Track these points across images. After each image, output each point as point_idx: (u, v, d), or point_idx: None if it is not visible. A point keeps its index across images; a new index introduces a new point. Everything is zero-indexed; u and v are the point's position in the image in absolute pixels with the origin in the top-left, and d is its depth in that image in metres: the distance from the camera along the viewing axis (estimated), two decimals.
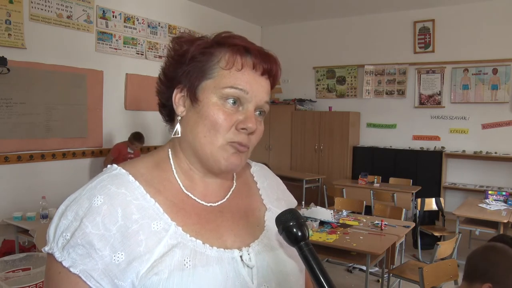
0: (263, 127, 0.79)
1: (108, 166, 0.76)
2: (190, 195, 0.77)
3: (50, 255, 0.68)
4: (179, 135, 0.77)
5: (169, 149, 0.81)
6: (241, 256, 0.74)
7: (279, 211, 0.81)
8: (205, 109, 0.73)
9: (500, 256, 1.52)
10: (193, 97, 0.74)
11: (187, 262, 0.68)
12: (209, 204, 0.78)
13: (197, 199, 0.77)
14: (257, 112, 0.76)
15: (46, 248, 0.69)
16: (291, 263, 0.79)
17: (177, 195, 0.76)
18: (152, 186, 0.74)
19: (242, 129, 0.73)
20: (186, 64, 0.75)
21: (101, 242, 0.66)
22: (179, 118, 0.77)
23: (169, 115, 0.82)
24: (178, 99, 0.77)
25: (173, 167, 0.78)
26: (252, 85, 0.74)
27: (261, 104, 0.76)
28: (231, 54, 0.74)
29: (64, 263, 0.65)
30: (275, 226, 0.72)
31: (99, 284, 0.65)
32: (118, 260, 0.66)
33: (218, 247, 0.73)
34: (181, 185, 0.77)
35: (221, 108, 0.73)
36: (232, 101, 0.73)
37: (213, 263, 0.70)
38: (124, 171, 0.74)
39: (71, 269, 0.65)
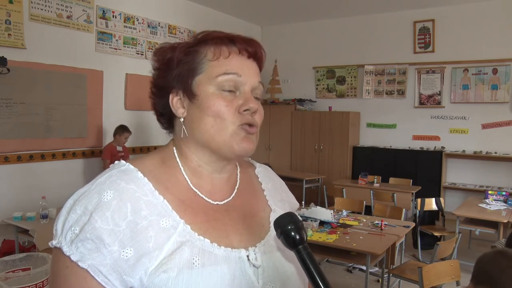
0: (263, 110, 0.81)
1: (116, 162, 0.77)
2: (198, 192, 0.78)
3: (58, 249, 0.68)
4: (187, 135, 0.78)
5: (174, 148, 0.81)
6: (247, 256, 0.75)
7: (283, 212, 0.82)
8: (205, 101, 0.75)
9: (508, 263, 1.51)
10: (190, 95, 0.76)
11: (196, 261, 0.69)
12: (215, 203, 0.79)
13: (204, 197, 0.78)
14: (254, 95, 0.78)
15: (54, 242, 0.68)
16: (295, 263, 0.80)
17: (184, 193, 0.77)
18: (160, 183, 0.75)
19: (245, 110, 0.75)
20: (175, 68, 0.77)
21: (111, 237, 0.66)
22: (182, 120, 0.78)
23: (168, 122, 0.83)
24: (176, 102, 0.78)
25: (180, 164, 0.79)
26: (243, 68, 0.76)
27: (255, 84, 0.78)
28: (215, 46, 0.76)
29: (72, 257, 0.65)
30: None
31: (107, 280, 0.65)
32: (127, 256, 0.66)
33: (226, 246, 0.74)
34: (189, 182, 0.78)
35: (220, 96, 0.75)
36: (228, 89, 0.75)
37: (221, 262, 0.71)
38: (132, 167, 0.75)
39: (80, 264, 0.65)
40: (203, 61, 0.76)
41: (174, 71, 0.77)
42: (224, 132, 0.74)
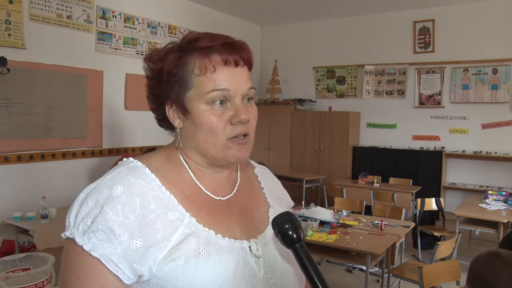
0: (256, 109, 0.84)
1: (124, 159, 0.81)
2: (202, 188, 0.82)
3: (70, 240, 0.72)
4: (181, 146, 0.83)
5: (177, 148, 0.85)
6: (249, 247, 0.80)
7: (281, 209, 0.90)
8: (197, 118, 0.78)
9: (503, 266, 1.50)
10: (184, 111, 0.79)
11: (202, 250, 0.74)
12: (218, 198, 0.84)
13: (208, 193, 0.83)
14: (245, 100, 0.80)
15: (67, 233, 0.72)
16: (292, 256, 0.84)
17: (189, 189, 0.81)
18: (167, 179, 0.79)
19: (237, 122, 0.78)
20: (166, 81, 0.79)
21: (121, 228, 0.70)
22: (178, 130, 0.82)
23: (169, 127, 0.87)
24: (172, 113, 0.82)
25: (184, 163, 0.83)
26: (231, 81, 0.77)
27: (245, 92, 0.80)
28: (200, 59, 0.77)
29: (84, 247, 0.69)
30: None
31: (118, 268, 0.69)
32: (136, 246, 0.70)
33: (229, 238, 0.79)
34: (194, 179, 0.82)
35: (211, 112, 0.77)
36: (218, 103, 0.77)
37: (225, 251, 0.76)
38: (140, 164, 0.80)
39: (92, 253, 0.69)
40: (191, 76, 0.77)
41: (165, 83, 0.80)
42: (217, 146, 0.78)
